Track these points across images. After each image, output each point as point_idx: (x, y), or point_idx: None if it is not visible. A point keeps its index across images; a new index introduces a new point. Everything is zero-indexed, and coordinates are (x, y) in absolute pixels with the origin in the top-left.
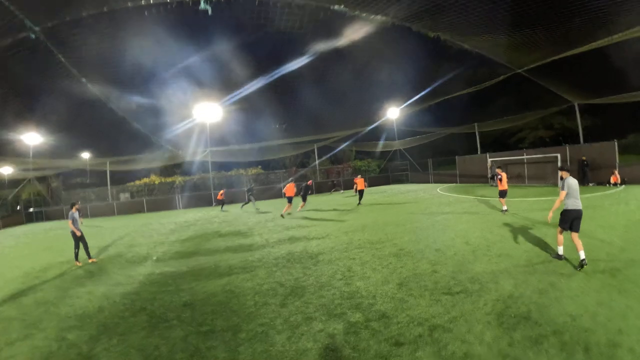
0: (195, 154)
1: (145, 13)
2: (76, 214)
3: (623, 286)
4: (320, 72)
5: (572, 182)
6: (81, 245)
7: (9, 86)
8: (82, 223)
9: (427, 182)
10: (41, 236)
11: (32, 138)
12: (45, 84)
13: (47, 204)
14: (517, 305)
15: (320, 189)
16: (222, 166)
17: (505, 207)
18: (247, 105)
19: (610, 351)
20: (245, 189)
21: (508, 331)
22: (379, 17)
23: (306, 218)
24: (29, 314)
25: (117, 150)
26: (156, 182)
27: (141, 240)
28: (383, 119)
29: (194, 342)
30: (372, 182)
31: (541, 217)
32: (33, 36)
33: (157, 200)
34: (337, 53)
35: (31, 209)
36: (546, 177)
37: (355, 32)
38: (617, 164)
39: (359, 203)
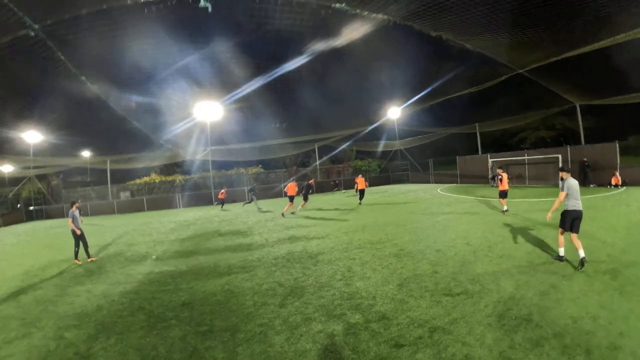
0: (196, 153)
1: (145, 11)
2: (76, 213)
3: (624, 288)
4: (321, 71)
5: (573, 182)
6: (81, 244)
7: (9, 84)
8: (82, 221)
9: (428, 182)
10: (41, 234)
11: (32, 136)
12: (45, 82)
13: (48, 202)
14: (519, 307)
15: (321, 188)
16: (222, 165)
17: (505, 208)
18: (247, 104)
19: (611, 354)
20: (247, 189)
21: (509, 333)
22: (380, 15)
23: (306, 218)
24: (28, 313)
25: (118, 148)
26: (156, 181)
27: (141, 239)
28: (384, 118)
29: (192, 342)
30: (372, 182)
31: (542, 218)
32: (32, 34)
33: (158, 199)
34: (338, 52)
35: (31, 207)
36: (547, 178)
37: (356, 31)
38: (618, 166)
39: (360, 202)
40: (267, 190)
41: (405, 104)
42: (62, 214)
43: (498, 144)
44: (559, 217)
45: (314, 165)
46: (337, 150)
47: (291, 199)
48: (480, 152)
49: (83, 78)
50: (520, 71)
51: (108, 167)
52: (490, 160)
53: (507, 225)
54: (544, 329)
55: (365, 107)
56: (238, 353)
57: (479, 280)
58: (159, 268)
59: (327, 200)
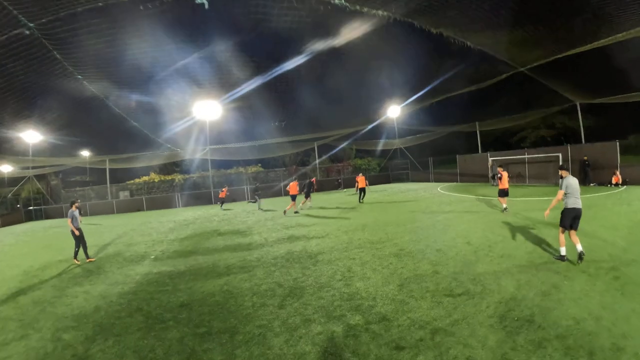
0: (195, 152)
1: (141, 7)
2: (76, 212)
3: (626, 288)
4: (320, 70)
5: (572, 181)
6: (80, 244)
7: (6, 84)
8: (81, 221)
9: (428, 181)
10: (40, 234)
11: (31, 136)
12: (41, 81)
13: (47, 202)
14: (520, 307)
15: (321, 187)
16: (221, 164)
17: (504, 206)
18: (246, 103)
19: (614, 356)
20: (253, 188)
21: (511, 335)
22: (380, 12)
23: (306, 217)
24: (26, 314)
25: (117, 148)
26: (156, 180)
27: (140, 238)
28: (384, 117)
29: (190, 344)
30: (372, 181)
31: (542, 217)
32: (27, 32)
33: (157, 199)
34: (338, 50)
35: (31, 207)
36: (548, 177)
37: (356, 29)
38: (618, 165)
39: (360, 201)
40: (266, 189)
41: (405, 103)
42: (61, 214)
43: (498, 142)
44: (559, 216)
45: (314, 164)
46: (336, 149)
47: (293, 198)
48: (480, 151)
49: (80, 77)
50: (521, 69)
51: (107, 166)
52: (490, 159)
53: (507, 224)
54: (546, 331)
55: (365, 106)
56: (236, 355)
57: (480, 280)
58: (157, 268)
59: (327, 199)
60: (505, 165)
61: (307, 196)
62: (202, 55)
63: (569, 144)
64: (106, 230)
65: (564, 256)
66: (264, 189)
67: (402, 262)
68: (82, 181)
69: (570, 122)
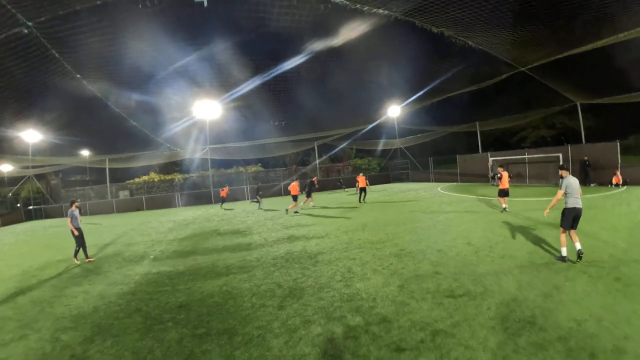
0: (195, 151)
1: (140, 6)
2: (76, 212)
3: (628, 289)
4: (321, 70)
5: (572, 180)
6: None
7: (5, 83)
8: (80, 221)
9: (428, 180)
10: (40, 234)
11: (31, 135)
12: (40, 80)
13: (47, 201)
14: (522, 309)
15: (322, 187)
16: (221, 164)
17: (504, 206)
18: (246, 103)
19: (616, 358)
20: (255, 188)
21: (513, 337)
22: (381, 11)
23: (306, 217)
24: (25, 314)
25: (116, 147)
26: (155, 180)
27: (139, 238)
28: (384, 117)
29: (189, 346)
30: (372, 181)
31: (543, 217)
32: (26, 31)
33: (156, 198)
34: (338, 49)
35: (30, 207)
36: (548, 177)
37: (356, 28)
38: (619, 165)
39: (360, 201)
40: (266, 189)
41: (406, 102)
42: (61, 214)
43: (498, 142)
44: (559, 216)
45: (314, 164)
46: (336, 149)
47: (294, 198)
48: (480, 151)
49: (79, 76)
50: (522, 69)
51: (107, 166)
52: (490, 159)
53: (508, 224)
54: (548, 332)
55: (365, 106)
56: (235, 357)
57: (481, 281)
58: (156, 268)
59: (327, 199)
60: (505, 165)
61: (309, 196)
62: (201, 54)
63: (569, 144)
64: (106, 230)
65: (564, 257)
66: (265, 189)
67: (403, 263)
68: (82, 181)
69: (570, 122)
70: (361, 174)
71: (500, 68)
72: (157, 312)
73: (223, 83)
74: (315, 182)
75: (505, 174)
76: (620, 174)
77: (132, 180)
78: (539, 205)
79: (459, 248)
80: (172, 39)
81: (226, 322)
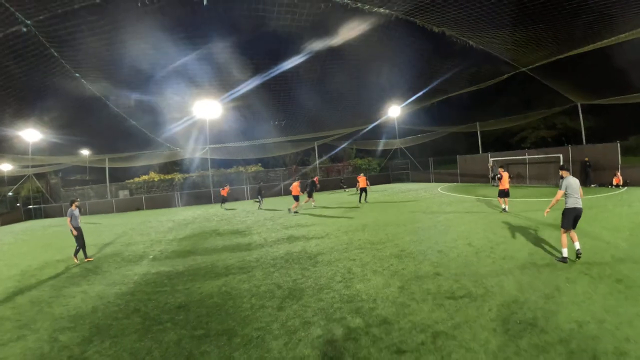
0: (195, 151)
1: (139, 4)
2: (76, 211)
3: (629, 291)
4: (321, 69)
5: (572, 181)
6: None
7: (3, 82)
8: (80, 221)
9: (428, 181)
10: (39, 233)
11: (30, 134)
12: (39, 79)
13: (46, 200)
14: (523, 310)
15: (322, 187)
16: (221, 163)
17: (503, 206)
18: (246, 102)
19: None
20: (257, 187)
21: (514, 339)
22: (382, 10)
23: (305, 217)
24: (23, 314)
25: (116, 147)
26: (155, 180)
27: (138, 238)
28: (384, 117)
29: (188, 347)
30: (372, 181)
31: (543, 217)
32: (24, 29)
33: (156, 198)
34: (339, 49)
35: (30, 206)
36: (548, 178)
37: (357, 27)
38: (619, 166)
39: (360, 201)
40: (267, 189)
41: (406, 102)
42: (60, 213)
43: (499, 143)
44: (560, 217)
45: (314, 164)
46: (337, 150)
47: (296, 198)
48: (480, 151)
49: (78, 75)
50: (523, 69)
51: (106, 165)
52: (490, 160)
53: (508, 225)
54: (549, 334)
55: (366, 106)
56: (234, 359)
57: (482, 282)
58: (155, 268)
59: (327, 199)
60: (505, 165)
61: (310, 195)
62: (201, 53)
63: (569, 145)
64: (105, 230)
65: (566, 258)
66: (265, 189)
67: (403, 264)
68: (81, 180)
69: (571, 123)
70: (362, 174)
71: (501, 68)
72: (155, 312)
73: (223, 83)
74: (317, 182)
75: (505, 175)
76: (621, 174)
77: (131, 180)
78: (539, 206)
79: (460, 249)
80: (172, 37)
81: (225, 323)
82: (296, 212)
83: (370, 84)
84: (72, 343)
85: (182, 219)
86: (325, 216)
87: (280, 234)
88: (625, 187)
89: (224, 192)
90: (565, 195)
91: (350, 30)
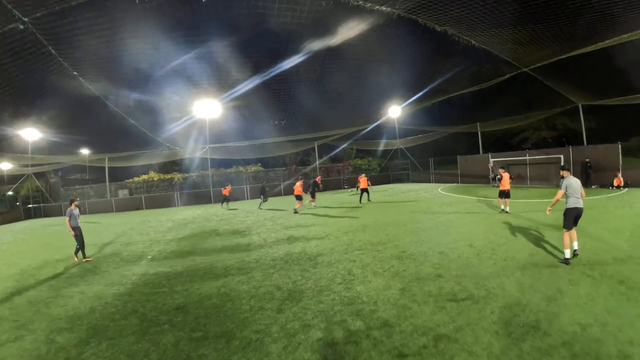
0: (195, 151)
1: (136, 1)
2: (76, 211)
3: (632, 293)
4: (322, 68)
5: (573, 181)
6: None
7: (1, 80)
8: (79, 220)
9: (428, 181)
10: (39, 232)
11: (30, 133)
12: (37, 77)
13: (46, 200)
14: (525, 313)
15: (322, 187)
16: (221, 163)
17: (502, 207)
18: (246, 102)
19: None
20: (260, 186)
21: (517, 342)
22: (383, 8)
23: (305, 217)
24: (21, 314)
25: (116, 146)
26: (155, 179)
27: (138, 238)
28: (384, 117)
29: (186, 349)
30: (372, 181)
31: (544, 218)
32: (22, 27)
33: (156, 197)
34: (339, 48)
35: (30, 205)
36: (549, 178)
37: (358, 25)
38: (620, 167)
39: (362, 201)
40: (268, 188)
41: (407, 103)
42: (60, 212)
43: (499, 143)
44: (561, 217)
45: (314, 164)
46: (337, 150)
47: (298, 197)
48: (481, 152)
49: (76, 73)
50: (525, 69)
51: (106, 165)
52: (491, 160)
53: (509, 226)
54: (552, 337)
55: (366, 106)
56: None
57: (483, 284)
58: (154, 269)
59: (328, 199)
60: (506, 166)
61: (313, 196)
62: (200, 52)
63: (570, 146)
64: (104, 229)
65: (568, 259)
66: (268, 190)
67: (404, 265)
68: (81, 179)
69: (571, 124)
70: (363, 175)
71: (503, 68)
72: (153, 314)
73: (223, 82)
74: (319, 182)
75: (506, 175)
76: (622, 175)
77: (131, 180)
78: (540, 207)
79: (461, 250)
80: (171, 35)
81: (224, 325)
82: (296, 212)
83: (371, 83)
84: (69, 344)
85: (181, 219)
86: (325, 216)
87: (280, 234)
88: (626, 188)
89: (225, 191)
90: (565, 195)
91: (352, 29)
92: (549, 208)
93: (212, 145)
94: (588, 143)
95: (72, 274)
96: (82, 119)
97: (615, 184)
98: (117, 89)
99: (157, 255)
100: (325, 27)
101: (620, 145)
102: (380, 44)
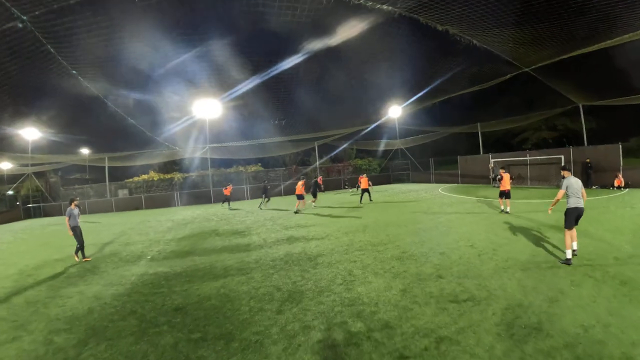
0: (195, 150)
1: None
2: (75, 211)
3: (634, 294)
4: (323, 67)
5: (573, 181)
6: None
7: (1, 80)
8: (79, 220)
9: (429, 182)
10: (38, 232)
11: (30, 133)
12: (36, 76)
13: (46, 199)
14: (527, 314)
15: (323, 187)
16: (221, 163)
17: (502, 207)
18: (246, 101)
19: None
20: (262, 186)
21: (519, 344)
22: (384, 7)
23: (305, 217)
24: (19, 315)
25: (116, 146)
26: (155, 179)
27: (137, 238)
28: (385, 117)
29: (184, 351)
30: (372, 181)
31: (545, 219)
32: (20, 25)
33: (156, 197)
34: (341, 47)
35: (29, 205)
36: (549, 179)
37: (359, 24)
38: (621, 167)
39: (361, 201)
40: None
41: (407, 102)
42: (60, 212)
43: (500, 144)
44: (562, 218)
45: (315, 165)
46: (337, 150)
47: (299, 197)
48: (481, 152)
49: (74, 72)
50: (526, 69)
51: (106, 164)
52: (492, 161)
53: (510, 226)
54: (555, 339)
55: (367, 106)
56: None
57: (485, 285)
58: (153, 269)
59: (328, 199)
60: (506, 166)
61: (314, 195)
62: (200, 51)
63: (571, 146)
64: (104, 229)
65: (570, 259)
66: (270, 188)
67: (405, 266)
68: (81, 179)
69: (572, 124)
70: (364, 175)
71: (505, 68)
72: (152, 314)
73: (223, 81)
74: (320, 183)
75: (506, 176)
76: (622, 176)
77: (131, 179)
78: (540, 207)
79: (462, 251)
80: (170, 34)
81: (223, 326)
82: (296, 212)
83: (372, 83)
84: (68, 345)
85: (181, 219)
86: (325, 216)
87: (279, 234)
88: (627, 189)
89: (226, 191)
90: (566, 195)
91: (353, 28)
92: (550, 207)
93: (212, 145)
94: (588, 143)
95: (71, 274)
96: (81, 118)
97: (615, 184)
98: (116, 88)
99: (157, 256)
100: (326, 26)
101: (620, 146)
102: (381, 43)
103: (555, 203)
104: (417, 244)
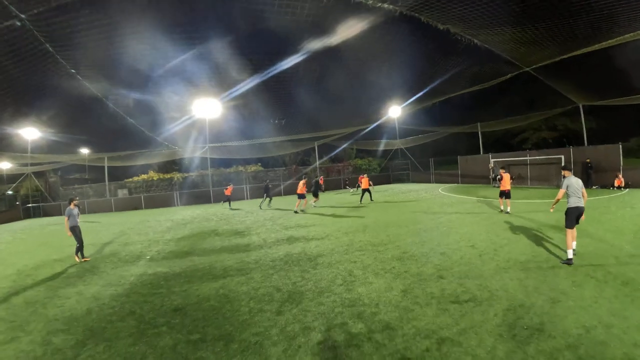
0: (194, 150)
1: None
2: (75, 210)
3: (636, 294)
4: (323, 67)
5: (574, 180)
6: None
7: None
8: (79, 220)
9: (429, 181)
10: (38, 232)
11: (29, 132)
12: (35, 76)
13: (45, 199)
14: (529, 315)
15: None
16: (221, 163)
17: (502, 207)
18: (246, 101)
19: None
20: (264, 185)
21: (521, 345)
22: (385, 5)
23: (306, 217)
24: (17, 315)
25: (115, 146)
26: (154, 179)
27: (136, 238)
28: (385, 117)
29: (183, 352)
30: (373, 181)
31: (546, 219)
32: (19, 24)
33: (155, 197)
34: (341, 46)
35: (29, 205)
36: (550, 179)
37: (360, 23)
38: (621, 167)
39: (361, 202)
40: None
41: (407, 102)
42: (59, 212)
43: (500, 144)
44: (563, 218)
45: (314, 165)
46: (337, 150)
47: (300, 196)
48: (482, 152)
49: (73, 71)
50: (527, 69)
51: (106, 164)
52: (492, 161)
53: (511, 226)
54: (557, 340)
55: (367, 106)
56: None
57: (486, 286)
58: (152, 269)
59: (328, 199)
60: (506, 166)
61: (316, 195)
62: (200, 51)
63: (571, 146)
64: (103, 229)
65: (571, 259)
66: (272, 188)
67: (405, 266)
68: (80, 179)
69: (572, 124)
70: (365, 175)
71: (506, 68)
72: (151, 315)
73: (223, 81)
74: (322, 182)
75: (506, 176)
76: (623, 176)
77: (130, 179)
78: (541, 207)
79: (463, 251)
80: (170, 34)
81: (222, 327)
82: (296, 212)
83: (372, 82)
84: (66, 346)
85: (180, 219)
86: (325, 216)
87: (279, 234)
88: (627, 189)
89: (227, 191)
90: (566, 194)
91: (353, 27)
92: (552, 207)
93: (211, 145)
94: (589, 143)
95: (70, 274)
96: (81, 118)
97: (616, 184)
98: (115, 88)
99: (156, 256)
100: (326, 25)
101: (620, 146)
102: (382, 43)
103: (556, 202)
104: (418, 244)
